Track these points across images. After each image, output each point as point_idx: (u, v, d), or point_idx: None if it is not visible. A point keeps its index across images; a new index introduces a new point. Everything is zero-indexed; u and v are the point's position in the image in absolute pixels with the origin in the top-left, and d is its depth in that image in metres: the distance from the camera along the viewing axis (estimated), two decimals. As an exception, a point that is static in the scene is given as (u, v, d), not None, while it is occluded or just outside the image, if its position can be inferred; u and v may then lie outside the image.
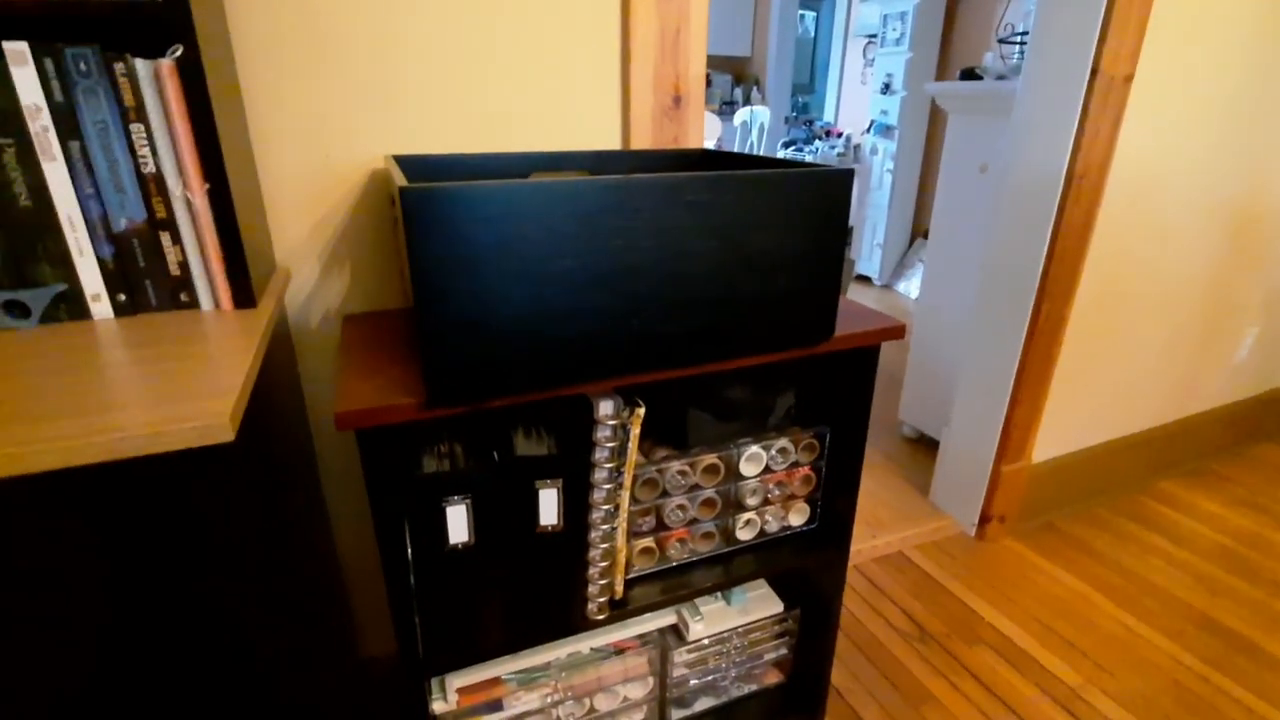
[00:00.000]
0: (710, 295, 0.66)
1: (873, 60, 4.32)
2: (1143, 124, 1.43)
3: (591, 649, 0.94)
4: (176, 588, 0.55)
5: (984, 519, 1.68)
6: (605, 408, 0.72)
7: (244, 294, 0.64)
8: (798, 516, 0.98)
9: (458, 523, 0.68)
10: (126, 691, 0.56)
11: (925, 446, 2.09)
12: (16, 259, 0.57)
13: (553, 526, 0.74)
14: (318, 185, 0.84)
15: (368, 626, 1.14)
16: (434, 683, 0.86)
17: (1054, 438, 1.69)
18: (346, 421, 0.58)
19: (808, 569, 1.04)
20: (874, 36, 4.24)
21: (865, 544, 1.63)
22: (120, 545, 0.52)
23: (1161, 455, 1.95)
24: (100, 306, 0.61)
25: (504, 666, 0.89)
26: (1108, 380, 1.71)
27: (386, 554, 0.65)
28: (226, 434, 0.40)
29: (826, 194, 0.67)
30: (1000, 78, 1.67)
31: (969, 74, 1.73)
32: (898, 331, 0.82)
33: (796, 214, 0.66)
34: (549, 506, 0.72)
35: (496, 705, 0.90)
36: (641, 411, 0.74)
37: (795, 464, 0.94)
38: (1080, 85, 1.37)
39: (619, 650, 0.97)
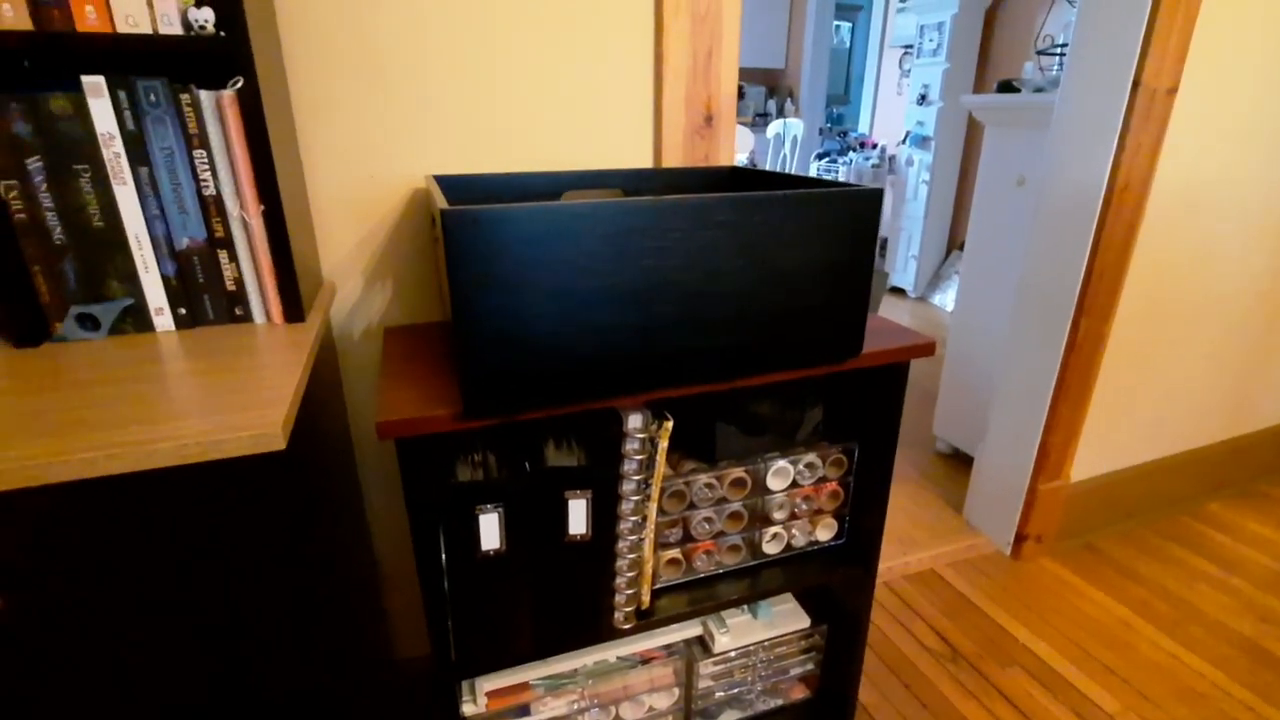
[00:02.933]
0: (739, 313, 0.67)
1: (909, 71, 4.29)
2: (1187, 137, 1.40)
3: (618, 658, 0.96)
4: (218, 590, 0.58)
5: (1019, 538, 1.64)
6: (634, 421, 0.74)
7: (294, 308, 0.68)
8: (825, 532, 0.98)
9: (490, 530, 0.71)
10: (170, 687, 0.59)
11: (959, 462, 2.05)
12: (89, 275, 0.62)
13: (581, 536, 0.75)
14: (362, 203, 0.88)
15: (402, 629, 1.17)
16: (464, 686, 0.89)
17: (1094, 456, 1.65)
18: (387, 431, 0.61)
19: (835, 585, 1.04)
20: (910, 47, 4.22)
21: (896, 560, 1.61)
22: (172, 549, 0.55)
23: (1209, 476, 1.89)
24: (163, 319, 0.65)
25: (532, 672, 0.91)
26: (1151, 398, 1.66)
27: (422, 558, 0.68)
28: (278, 443, 0.43)
29: (855, 213, 0.68)
30: (1039, 90, 1.65)
31: (1006, 86, 1.72)
32: (926, 349, 0.82)
33: (825, 233, 0.68)
34: (578, 516, 0.74)
35: (524, 710, 0.92)
36: (670, 425, 0.76)
37: (823, 479, 0.94)
38: (1121, 97, 1.34)
39: (645, 660, 0.98)
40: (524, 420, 0.68)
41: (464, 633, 0.76)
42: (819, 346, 0.73)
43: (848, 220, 0.68)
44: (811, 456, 0.91)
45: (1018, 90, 1.70)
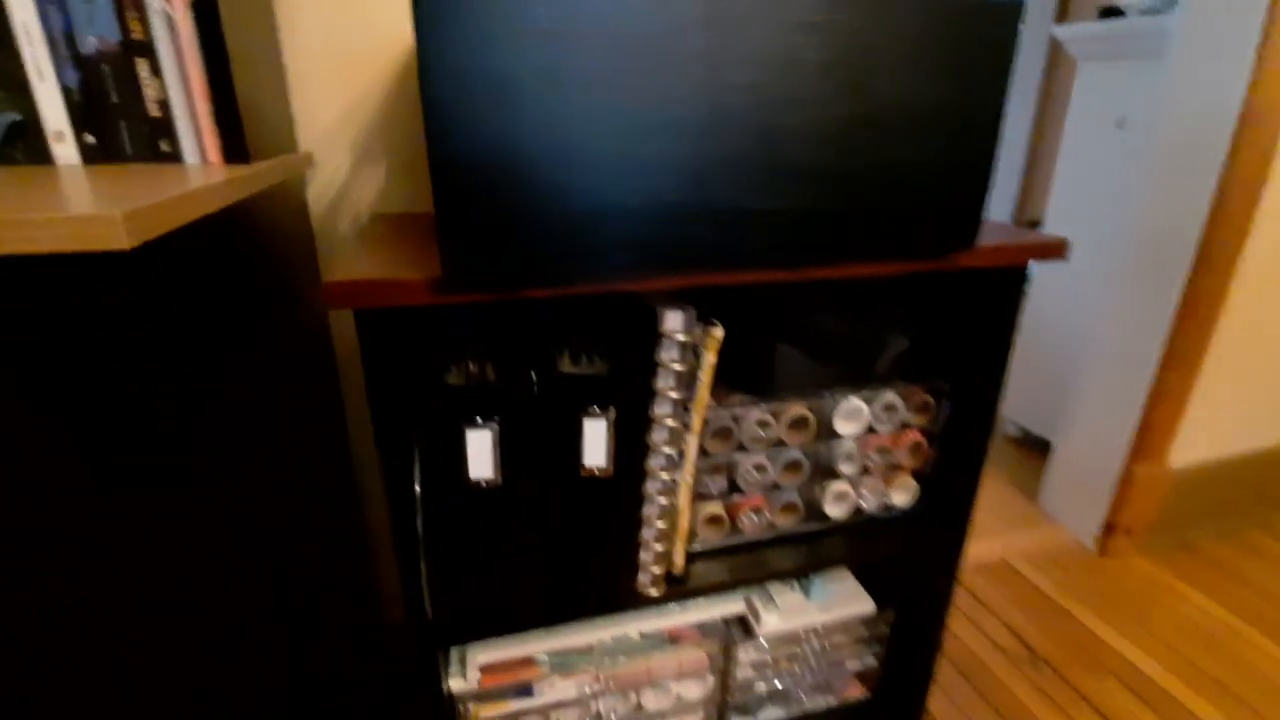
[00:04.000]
0: (818, 162, 0.49)
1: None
2: (1347, 52, 1.16)
3: (642, 634, 0.79)
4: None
5: (1108, 529, 1.42)
6: (673, 320, 0.56)
7: (236, 146, 0.52)
8: (902, 494, 0.79)
9: (480, 452, 0.54)
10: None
11: (1031, 447, 1.83)
12: (-36, 81, 0.47)
13: (600, 470, 0.58)
14: (348, 63, 0.72)
15: (395, 592, 1.02)
16: (454, 655, 0.73)
17: (1200, 439, 1.41)
18: (338, 295, 0.44)
19: (909, 562, 0.85)
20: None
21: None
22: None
23: (1330, 472, 1.63)
24: (64, 149, 0.50)
25: (536, 645, 0.75)
26: (1274, 371, 1.42)
27: (390, 482, 0.52)
28: (118, 238, 0.27)
29: (986, 31, 0.49)
30: (1150, 12, 1.42)
31: (1110, 11, 1.49)
32: (1057, 248, 0.62)
33: (943, 53, 0.49)
34: (596, 443, 0.57)
35: (526, 689, 0.75)
36: (719, 334, 0.58)
37: (904, 425, 0.75)
38: (1259, 9, 1.12)
39: (674, 639, 0.81)
40: (527, 303, 0.51)
41: (444, 586, 0.59)
42: (920, 228, 0.55)
43: (975, 39, 0.49)
44: (891, 395, 0.73)
45: (1122, 14, 1.47)
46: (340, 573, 0.68)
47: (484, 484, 0.56)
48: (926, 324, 0.73)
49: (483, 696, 0.74)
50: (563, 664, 0.77)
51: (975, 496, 0.78)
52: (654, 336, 0.57)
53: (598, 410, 0.56)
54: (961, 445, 0.76)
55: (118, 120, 0.50)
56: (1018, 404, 1.84)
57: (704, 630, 0.82)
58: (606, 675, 0.79)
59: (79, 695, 0.42)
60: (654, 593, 0.66)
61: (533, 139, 0.43)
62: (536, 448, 0.57)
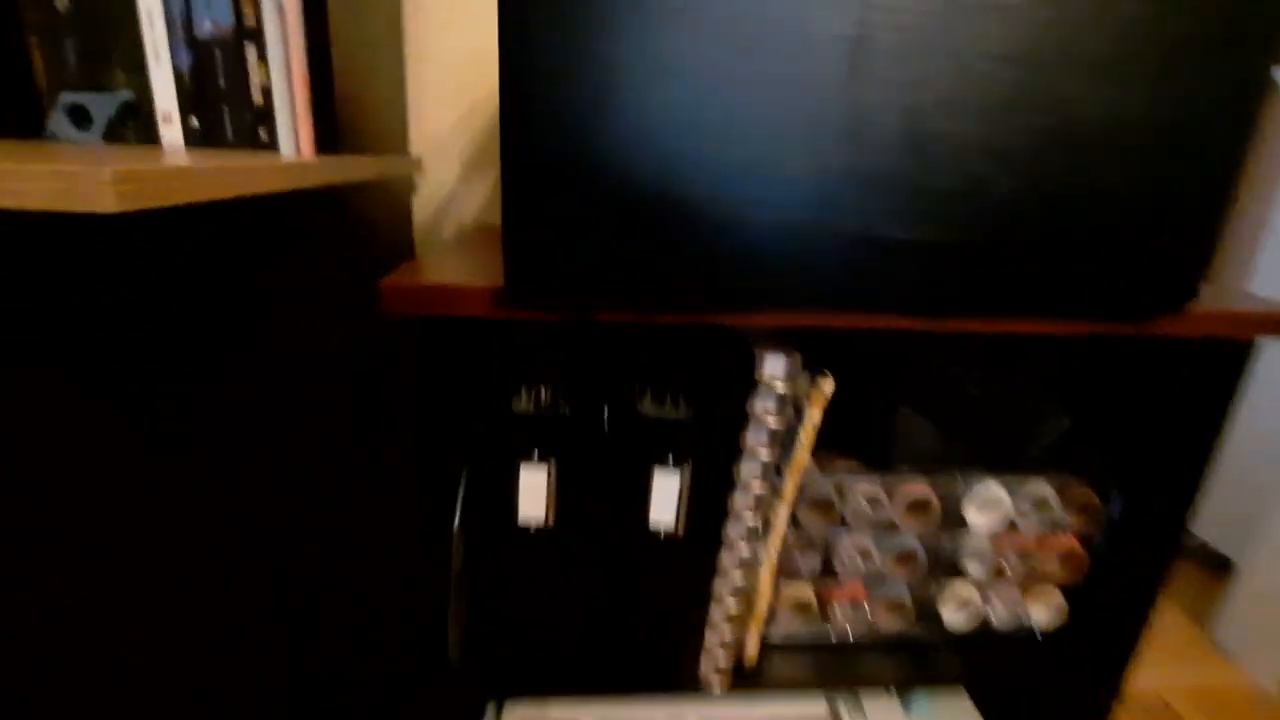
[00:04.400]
0: (983, 184, 0.39)
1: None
2: None
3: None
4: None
5: (1313, 687, 1.13)
6: (774, 365, 0.47)
7: (328, 136, 0.50)
8: (1044, 610, 0.64)
9: (534, 493, 0.47)
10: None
11: (1209, 565, 1.52)
12: (91, 55, 0.48)
13: (667, 531, 0.50)
14: (467, 71, 0.70)
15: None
16: (489, 709, 0.66)
17: None
18: (392, 297, 0.40)
19: (1045, 696, 0.69)
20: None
21: (1109, 677, 1.16)
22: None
23: None
24: (171, 130, 0.50)
25: (580, 712, 0.66)
26: None
27: (426, 510, 0.46)
28: (104, 199, 0.23)
29: (1238, 18, 0.37)
30: None
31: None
32: (1308, 328, 0.47)
33: (1175, 49, 0.37)
34: (666, 498, 0.49)
35: (563, 761, 0.67)
36: (829, 387, 0.48)
37: (1056, 526, 0.61)
38: None
39: (739, 734, 0.70)
40: (605, 328, 0.44)
41: (478, 632, 0.53)
42: (1116, 280, 0.42)
43: (1221, 38, 0.37)
44: (1042, 486, 0.59)
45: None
46: (340, 573, 0.63)
47: (534, 528, 0.49)
48: (1099, 402, 0.58)
49: (517, 759, 0.66)
50: (609, 739, 0.68)
51: (1143, 630, 0.61)
52: (749, 383, 0.48)
53: (672, 461, 0.48)
54: (1130, 562, 0.60)
55: (222, 105, 0.50)
56: (1196, 511, 1.53)
57: (777, 730, 0.70)
58: (657, 761, 0.69)
59: (79, 695, 0.39)
60: (718, 689, 0.55)
61: (620, 131, 0.36)
62: (599, 495, 0.50)
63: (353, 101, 0.54)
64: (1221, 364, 0.49)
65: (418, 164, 0.70)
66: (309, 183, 0.43)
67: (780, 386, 0.47)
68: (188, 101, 0.50)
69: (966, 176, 0.38)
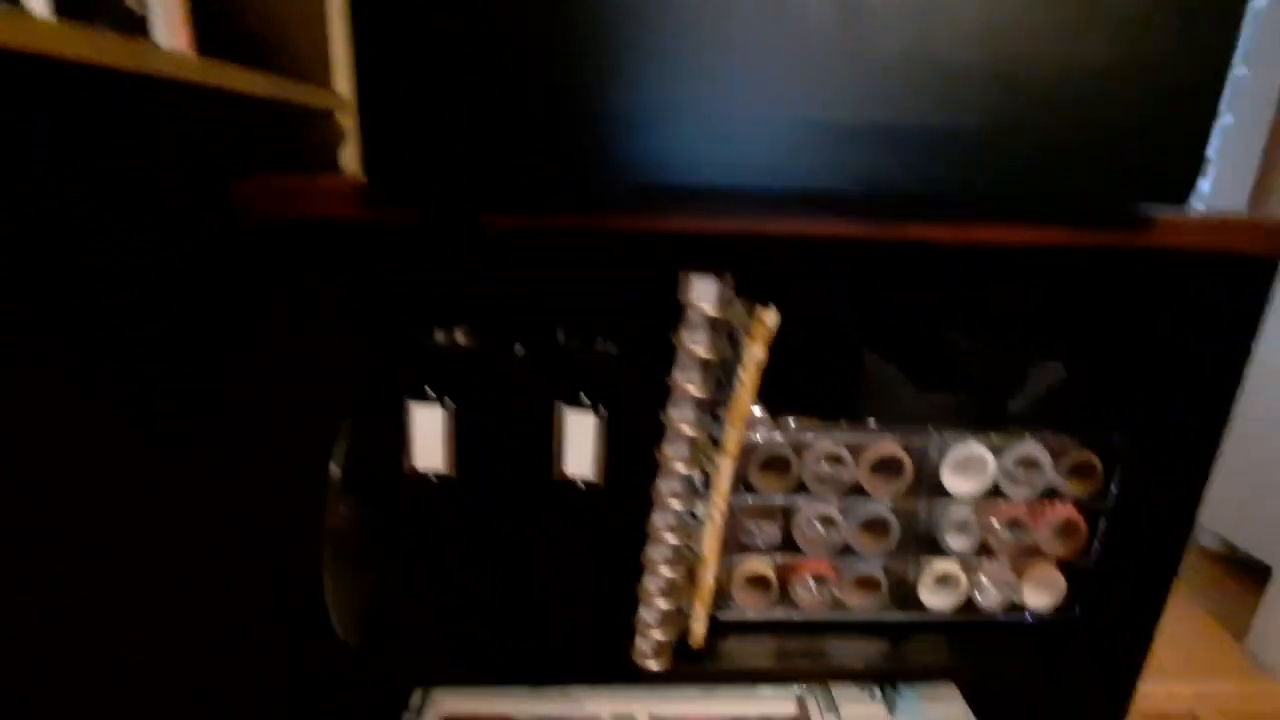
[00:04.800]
0: (947, 54, 0.33)
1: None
2: None
3: (651, 718, 0.61)
4: None
5: (1363, 702, 1.02)
6: (701, 289, 0.41)
7: (211, 42, 0.45)
8: (1040, 592, 0.56)
9: (428, 435, 0.41)
10: None
11: (1241, 570, 1.41)
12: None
13: (585, 481, 0.43)
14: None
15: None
16: (416, 697, 0.59)
17: None
18: (244, 195, 0.34)
19: (1048, 692, 0.60)
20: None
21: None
22: None
23: None
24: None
25: (516, 706, 0.59)
26: None
27: (298, 464, 0.40)
28: None
29: None
30: None
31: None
32: (1337, 239, 0.39)
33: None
34: (581, 444, 0.42)
35: (496, 759, 0.60)
36: (771, 319, 0.42)
37: (1052, 493, 0.53)
38: None
39: (697, 734, 0.62)
40: (502, 241, 0.38)
41: (374, 601, 0.46)
42: (1101, 172, 0.35)
43: None
44: (1032, 446, 0.51)
45: None
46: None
47: (434, 480, 0.43)
48: (1097, 344, 0.50)
49: (445, 757, 0.60)
50: (550, 737, 0.61)
51: (1160, 615, 0.53)
52: (674, 311, 0.41)
53: (584, 402, 0.41)
54: (1142, 534, 0.52)
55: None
56: (1223, 511, 1.42)
57: (740, 731, 0.62)
58: (605, 763, 0.61)
59: (79, 696, 0.35)
60: (654, 665, 0.48)
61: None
62: (506, 441, 0.44)
63: (260, 21, 0.49)
64: (1236, 285, 0.42)
65: (344, 104, 0.64)
66: (167, 71, 0.38)
67: (709, 309, 0.40)
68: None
69: (916, 45, 0.32)
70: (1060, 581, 0.56)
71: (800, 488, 0.51)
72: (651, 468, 0.44)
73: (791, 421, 0.50)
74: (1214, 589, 1.35)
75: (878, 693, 0.66)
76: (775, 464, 0.50)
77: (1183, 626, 1.23)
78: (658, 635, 0.48)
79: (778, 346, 0.42)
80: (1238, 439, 1.46)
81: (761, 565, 0.54)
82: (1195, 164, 0.35)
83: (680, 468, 0.44)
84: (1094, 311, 0.48)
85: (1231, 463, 1.45)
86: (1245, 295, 0.41)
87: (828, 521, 0.52)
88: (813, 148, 0.34)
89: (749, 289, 0.42)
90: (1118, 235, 0.37)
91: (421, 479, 0.42)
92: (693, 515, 0.47)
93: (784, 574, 0.54)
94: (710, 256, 0.40)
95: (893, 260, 0.43)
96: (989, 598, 0.56)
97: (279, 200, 0.34)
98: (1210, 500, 1.48)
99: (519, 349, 0.43)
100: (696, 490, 0.46)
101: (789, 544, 0.54)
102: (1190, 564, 1.42)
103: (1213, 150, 2.80)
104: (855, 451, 0.50)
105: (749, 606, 0.54)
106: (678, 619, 0.49)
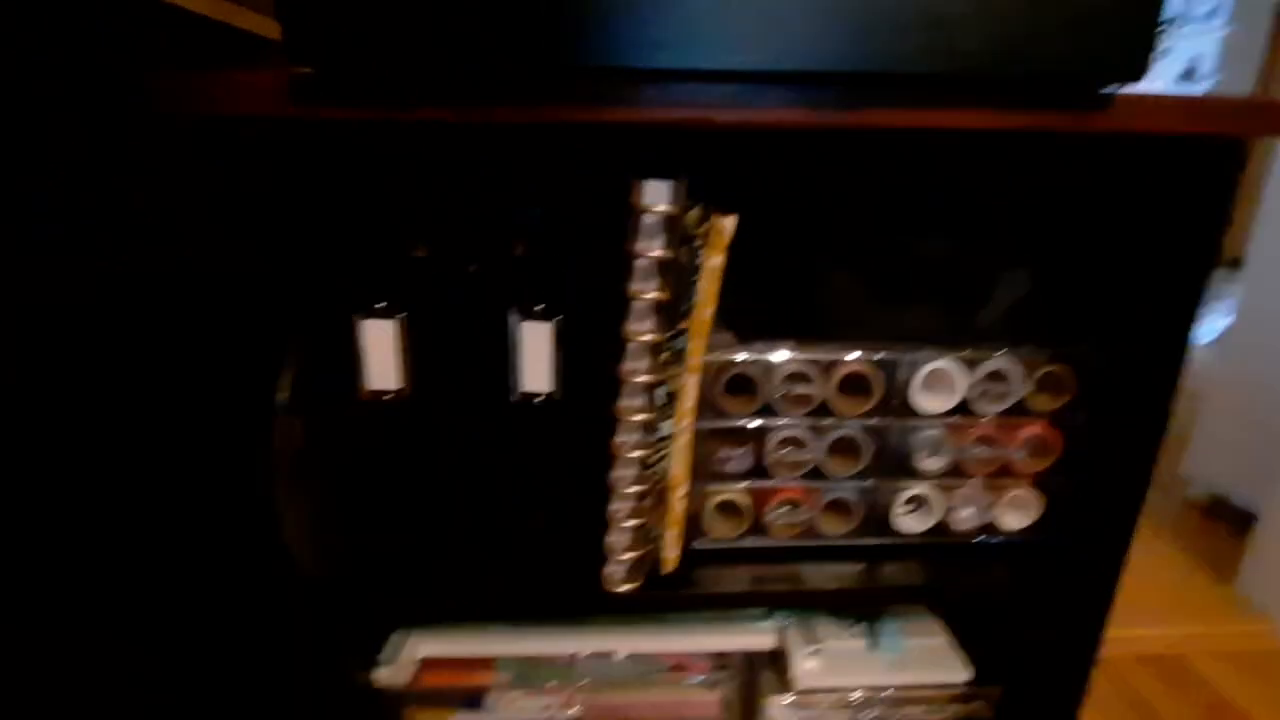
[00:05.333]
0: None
1: (1165, 51, 3.46)
2: None
3: (631, 655, 0.60)
4: None
5: (1348, 635, 1.02)
6: (654, 191, 0.40)
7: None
8: (1015, 512, 0.56)
9: (381, 352, 0.40)
10: None
11: (1225, 519, 1.41)
12: None
13: (542, 394, 0.43)
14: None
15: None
16: (393, 641, 0.59)
17: None
18: (157, 93, 0.33)
19: (1025, 617, 0.60)
20: (1170, 21, 3.40)
21: (1123, 631, 1.07)
22: None
23: None
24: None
25: (497, 645, 0.59)
26: None
27: (248, 379, 0.39)
28: None
29: None
30: None
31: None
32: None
33: None
34: (537, 357, 0.41)
35: (474, 698, 0.60)
36: (729, 224, 0.41)
37: (1022, 410, 0.52)
38: None
39: (676, 669, 0.62)
40: (439, 137, 0.37)
41: (322, 533, 0.45)
42: (1061, 53, 0.34)
43: None
44: (1001, 361, 0.51)
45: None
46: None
47: (388, 399, 0.42)
48: (1063, 245, 0.50)
49: (424, 699, 0.59)
50: (528, 675, 0.60)
51: (1133, 529, 0.53)
52: (625, 216, 0.40)
53: (537, 311, 0.41)
54: (1114, 448, 0.51)
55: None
56: (1207, 461, 1.43)
57: (720, 664, 0.62)
58: (585, 701, 0.61)
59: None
60: (625, 587, 0.48)
61: None
62: (466, 358, 0.43)
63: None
64: (1200, 171, 0.41)
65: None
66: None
67: (663, 209, 0.39)
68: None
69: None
70: (1034, 501, 0.55)
71: (766, 409, 0.51)
72: (615, 387, 0.44)
73: (755, 342, 0.49)
74: (1200, 537, 1.35)
75: (859, 628, 0.66)
76: (741, 383, 0.50)
77: (1171, 573, 1.24)
78: (627, 559, 0.48)
79: (736, 261, 0.42)
80: (1221, 388, 1.47)
81: (735, 492, 0.53)
82: (1148, 38, 0.35)
83: (642, 381, 0.43)
84: (1058, 208, 0.47)
85: (1215, 412, 1.46)
86: (1211, 179, 0.40)
87: (797, 443, 0.51)
88: (764, 24, 0.33)
89: (703, 194, 0.41)
90: (1078, 118, 0.36)
91: (376, 400, 0.42)
92: (659, 436, 0.47)
93: (757, 500, 0.54)
94: (662, 156, 0.39)
95: (850, 154, 0.42)
96: (962, 520, 0.55)
97: (197, 97, 0.33)
98: (1194, 450, 1.50)
99: (471, 264, 0.42)
100: (660, 408, 0.45)
101: (761, 472, 0.53)
102: (1177, 513, 1.44)
103: (1213, 60, 2.78)
104: (824, 367, 0.50)
105: (721, 534, 0.54)
106: (648, 543, 0.49)
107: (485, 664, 0.60)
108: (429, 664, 0.58)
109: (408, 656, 0.57)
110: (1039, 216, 0.48)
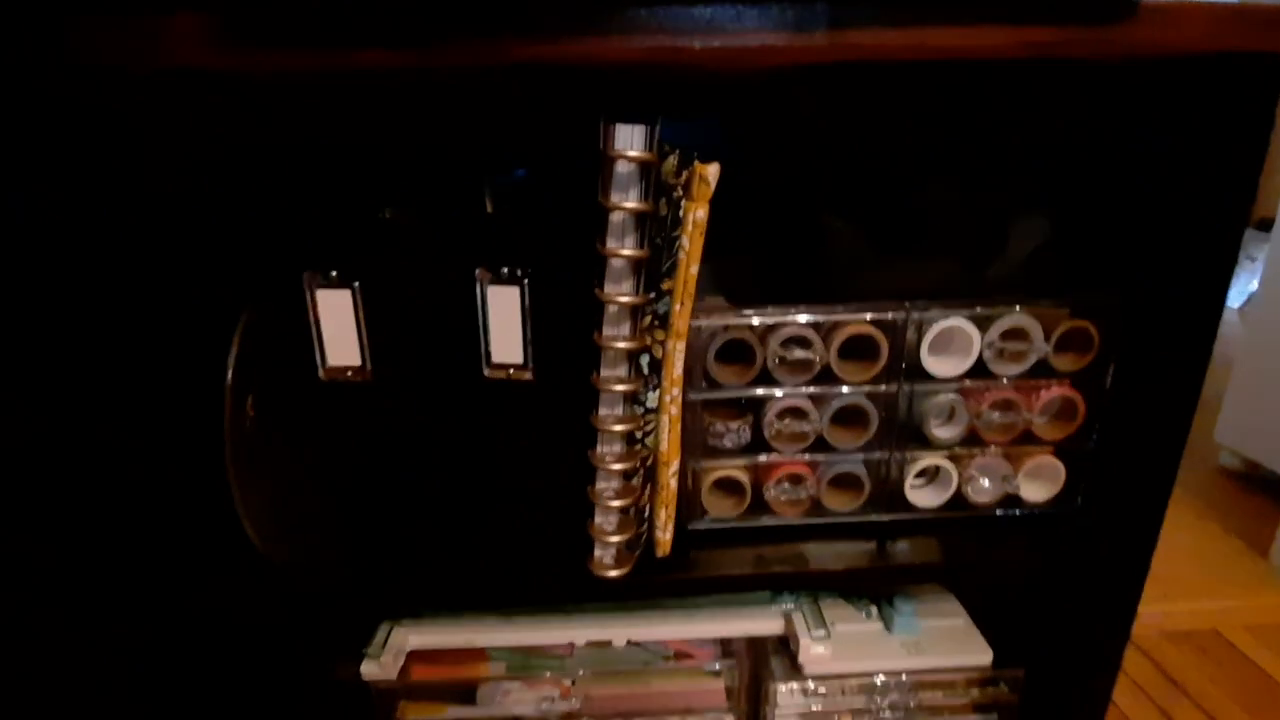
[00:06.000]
0: None
1: None
2: None
3: (631, 642, 0.57)
4: None
5: (1396, 607, 0.97)
6: (626, 135, 0.36)
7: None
8: (1037, 483, 0.52)
9: (340, 325, 0.37)
10: None
11: (1260, 489, 1.36)
12: None
13: (513, 369, 0.39)
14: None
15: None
16: (380, 633, 0.56)
17: None
18: (73, 42, 0.30)
19: (1050, 595, 0.56)
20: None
21: (1154, 607, 1.02)
22: None
23: None
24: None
25: (488, 635, 0.56)
26: None
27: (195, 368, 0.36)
28: None
29: None
30: None
31: None
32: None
33: None
34: (506, 325, 0.38)
35: (468, 692, 0.57)
36: (711, 172, 0.37)
37: (1044, 370, 0.48)
38: None
39: (679, 656, 0.59)
40: (394, 87, 0.33)
41: (268, 510, 0.42)
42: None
43: None
44: (1019, 317, 0.46)
45: None
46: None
47: (349, 374, 0.39)
48: (1083, 185, 0.45)
49: (414, 692, 0.57)
50: (523, 667, 0.58)
51: (1166, 498, 0.48)
52: (598, 162, 0.37)
53: (504, 274, 0.37)
54: (1143, 411, 0.47)
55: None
56: (1239, 429, 1.37)
57: (725, 650, 0.59)
58: (584, 693, 0.58)
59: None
60: (614, 574, 0.45)
61: None
62: (428, 332, 0.39)
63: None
64: (1237, 94, 0.36)
65: None
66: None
67: (636, 154, 0.36)
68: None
69: None
70: (1059, 470, 0.51)
71: (763, 377, 0.47)
72: (591, 351, 0.40)
73: (748, 304, 0.45)
74: (1234, 507, 1.30)
75: (873, 610, 0.62)
76: (735, 352, 0.46)
77: (1205, 544, 1.19)
78: (616, 541, 0.44)
79: (722, 214, 0.38)
80: (1251, 356, 1.40)
81: (733, 469, 0.50)
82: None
83: (622, 346, 0.39)
84: (1077, 144, 0.43)
85: (1247, 380, 1.40)
86: (1251, 102, 0.35)
87: (799, 414, 0.48)
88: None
89: (684, 139, 0.37)
90: (1100, 32, 0.32)
91: (337, 377, 0.38)
92: (646, 409, 0.43)
93: (757, 477, 0.50)
94: (635, 95, 0.35)
95: (845, 86, 0.38)
96: (981, 492, 0.52)
97: (114, 46, 0.30)
98: (1227, 418, 1.44)
99: (431, 225, 0.38)
100: (645, 377, 0.42)
101: (761, 445, 0.49)
102: (1210, 483, 1.38)
103: None
104: (824, 330, 0.46)
105: (720, 513, 0.50)
106: (638, 523, 0.45)
107: (478, 655, 0.57)
108: (418, 656, 0.56)
109: (394, 648, 0.54)
110: (1056, 154, 0.43)
